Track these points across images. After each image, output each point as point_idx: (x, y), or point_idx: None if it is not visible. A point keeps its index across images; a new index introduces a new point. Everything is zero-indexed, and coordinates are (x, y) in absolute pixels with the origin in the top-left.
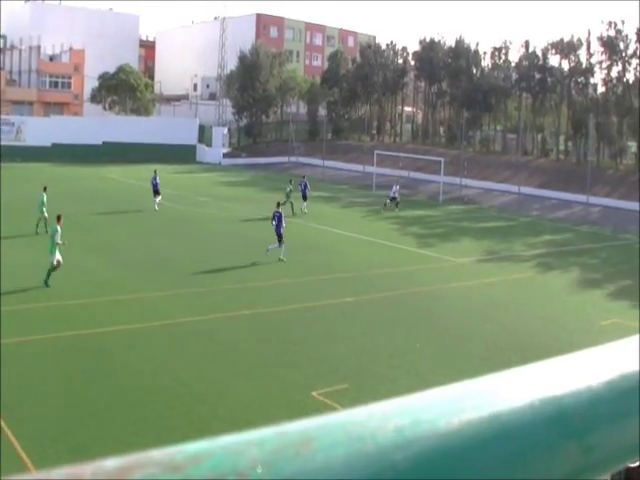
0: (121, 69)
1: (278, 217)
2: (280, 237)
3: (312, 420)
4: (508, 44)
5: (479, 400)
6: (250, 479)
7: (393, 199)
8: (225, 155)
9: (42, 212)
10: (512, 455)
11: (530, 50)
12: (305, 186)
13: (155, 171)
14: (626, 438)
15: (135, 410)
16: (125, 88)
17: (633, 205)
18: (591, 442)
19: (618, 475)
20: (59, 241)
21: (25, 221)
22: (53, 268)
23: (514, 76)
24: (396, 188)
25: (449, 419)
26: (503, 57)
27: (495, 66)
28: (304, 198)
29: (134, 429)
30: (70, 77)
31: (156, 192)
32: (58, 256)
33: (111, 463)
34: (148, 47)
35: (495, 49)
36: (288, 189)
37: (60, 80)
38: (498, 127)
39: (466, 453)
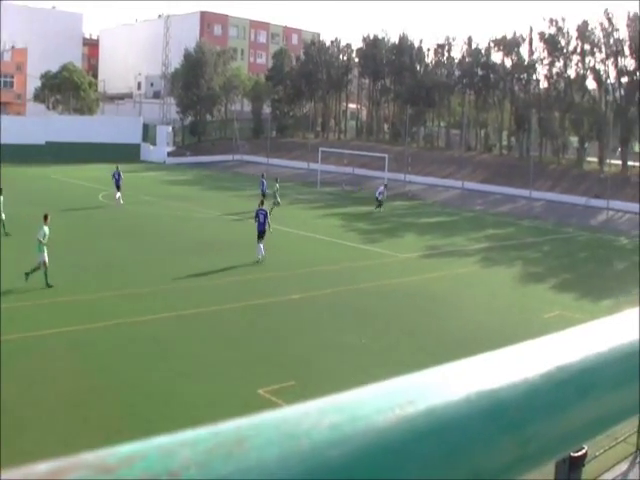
0: (64, 68)
1: (264, 215)
2: (262, 234)
3: (246, 419)
4: (451, 41)
5: (416, 395)
6: (182, 479)
7: (377, 200)
8: (169, 154)
9: None
10: (449, 449)
11: (473, 47)
12: (263, 184)
13: (117, 167)
14: (564, 428)
15: (81, 412)
16: (68, 87)
17: (575, 199)
18: (529, 434)
19: (563, 463)
20: (42, 240)
21: None
22: (38, 267)
23: (457, 73)
24: (382, 189)
25: (386, 415)
26: (446, 54)
27: (438, 63)
28: (263, 195)
29: (79, 432)
30: (12, 76)
31: (118, 187)
32: (45, 257)
33: (43, 467)
34: (92, 45)
35: (438, 46)
36: (275, 187)
37: (2, 79)
38: (442, 123)
39: (403, 448)
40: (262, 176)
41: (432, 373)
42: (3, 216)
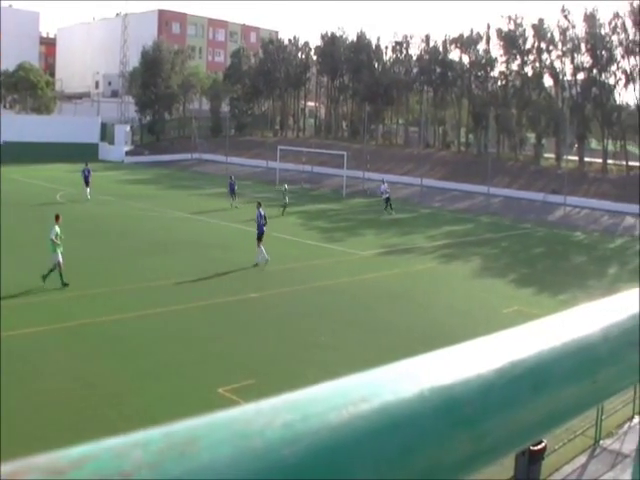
0: (21, 67)
1: (261, 217)
2: (261, 237)
3: (199, 419)
4: (409, 39)
5: (369, 392)
6: (134, 479)
7: (387, 200)
8: (128, 153)
9: None
10: (404, 447)
11: (431, 44)
12: (232, 185)
13: (87, 164)
14: (519, 423)
15: (42, 414)
16: (25, 86)
17: (533, 195)
18: (483, 430)
19: (522, 456)
20: (55, 239)
21: None
22: (53, 268)
23: (415, 70)
24: (384, 187)
25: (339, 412)
26: (404, 52)
27: (396, 60)
28: (232, 194)
29: (41, 433)
30: None
31: (87, 183)
32: (59, 257)
33: None
34: (49, 44)
35: (396, 43)
36: (284, 188)
37: None
38: (400, 121)
39: (356, 446)
40: (230, 178)
41: (386, 370)
42: None
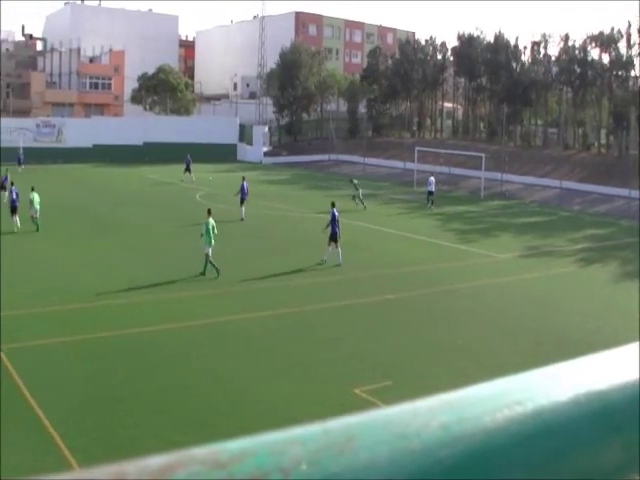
0: (161, 69)
1: (334, 216)
2: (335, 237)
3: (355, 417)
4: (547, 38)
5: (523, 396)
6: (292, 478)
7: (429, 193)
8: (266, 154)
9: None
10: (556, 451)
11: (570, 44)
12: (246, 189)
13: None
14: None
15: (176, 409)
16: (165, 88)
17: None
18: (636, 438)
19: None
20: (211, 232)
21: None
22: (208, 259)
23: (554, 70)
24: (431, 180)
25: (493, 416)
26: (543, 51)
27: (535, 60)
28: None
29: (175, 428)
30: (110, 78)
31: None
32: (208, 249)
33: (154, 461)
34: (188, 47)
35: (534, 43)
36: (355, 182)
37: (100, 81)
38: (539, 122)
39: (511, 450)
40: (243, 178)
41: (539, 374)
42: (38, 213)
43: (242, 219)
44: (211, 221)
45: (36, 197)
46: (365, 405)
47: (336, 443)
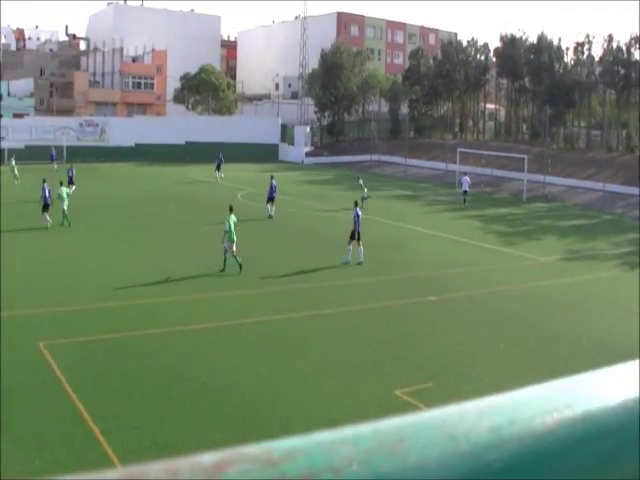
0: (203, 69)
1: (357, 216)
2: (359, 237)
3: (405, 418)
4: (591, 39)
5: (572, 399)
6: (343, 478)
7: (464, 192)
8: (307, 154)
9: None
10: (606, 455)
11: (613, 44)
12: (273, 187)
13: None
14: None
15: (217, 407)
16: (207, 88)
17: None
18: None
19: None
20: (231, 229)
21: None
22: (234, 255)
23: (597, 71)
24: (466, 179)
25: (543, 419)
26: (586, 52)
27: (578, 61)
28: (271, 200)
29: (217, 426)
30: (153, 78)
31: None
32: (230, 244)
33: (207, 458)
34: (230, 47)
35: (578, 44)
36: (360, 181)
37: (143, 81)
38: (582, 123)
39: (560, 453)
40: (271, 177)
41: (587, 377)
42: (65, 207)
43: (270, 216)
44: (233, 217)
45: (65, 192)
46: (405, 407)
47: (386, 444)
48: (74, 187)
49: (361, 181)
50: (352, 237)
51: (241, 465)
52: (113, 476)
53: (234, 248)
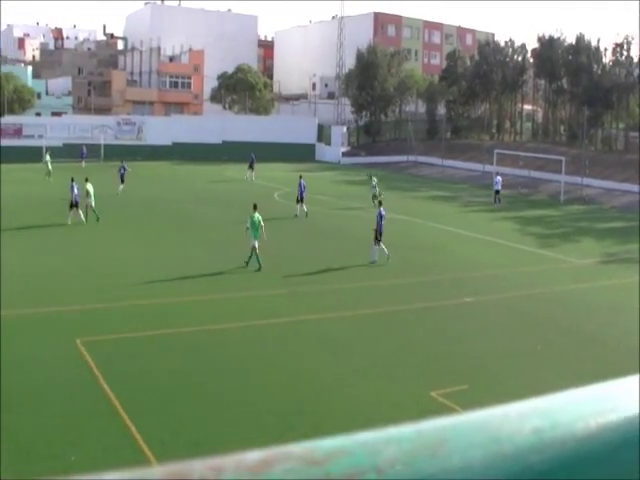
0: (240, 69)
1: (380, 216)
2: (377, 235)
3: (446, 420)
4: (630, 39)
5: (615, 404)
6: (387, 478)
7: (497, 192)
8: (344, 154)
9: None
10: None
11: None
12: (302, 187)
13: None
14: None
15: (252, 407)
16: (244, 87)
17: None
18: None
19: None
20: (260, 224)
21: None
22: (255, 252)
23: (636, 72)
24: (498, 179)
25: (586, 422)
26: (625, 53)
27: (617, 62)
28: (301, 200)
29: (252, 425)
30: (190, 77)
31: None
32: (255, 242)
33: (251, 457)
34: (267, 47)
35: (617, 45)
36: (373, 181)
37: (180, 80)
38: (620, 125)
39: (603, 457)
40: (300, 177)
41: (630, 381)
42: (93, 204)
43: (296, 215)
44: (257, 215)
45: (91, 188)
46: (441, 409)
47: (430, 445)
48: (122, 186)
49: (374, 180)
50: (376, 237)
51: (285, 464)
52: (157, 474)
53: (256, 245)
